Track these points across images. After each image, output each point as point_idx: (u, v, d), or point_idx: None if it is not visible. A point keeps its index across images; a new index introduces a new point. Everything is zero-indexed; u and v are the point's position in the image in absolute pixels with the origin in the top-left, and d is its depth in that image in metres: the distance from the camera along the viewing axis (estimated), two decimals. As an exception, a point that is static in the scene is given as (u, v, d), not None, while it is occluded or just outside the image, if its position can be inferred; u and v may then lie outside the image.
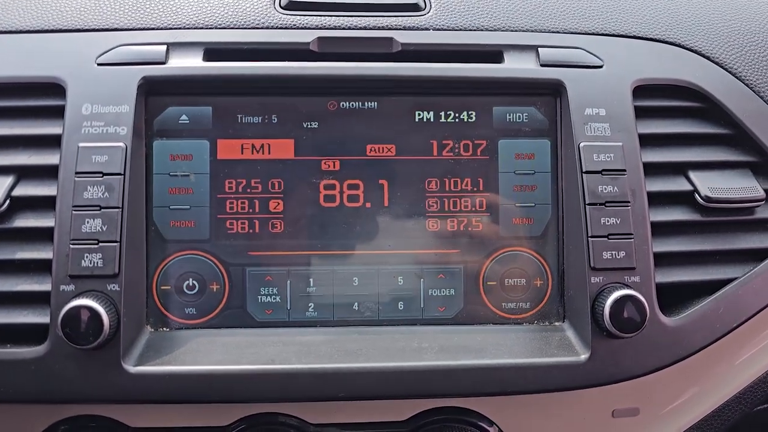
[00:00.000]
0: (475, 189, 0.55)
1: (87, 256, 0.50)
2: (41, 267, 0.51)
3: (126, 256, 0.50)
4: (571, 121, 0.54)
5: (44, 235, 0.51)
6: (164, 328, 0.54)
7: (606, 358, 0.50)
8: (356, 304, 0.55)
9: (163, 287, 0.54)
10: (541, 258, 0.55)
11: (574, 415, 0.54)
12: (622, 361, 0.50)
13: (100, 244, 0.50)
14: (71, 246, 0.50)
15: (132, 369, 0.49)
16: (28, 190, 0.52)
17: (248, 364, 0.49)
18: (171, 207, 0.54)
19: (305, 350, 0.51)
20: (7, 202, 0.51)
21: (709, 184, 0.54)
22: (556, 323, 0.55)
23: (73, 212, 0.50)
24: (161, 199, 0.54)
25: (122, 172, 0.51)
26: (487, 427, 0.53)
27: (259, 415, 0.53)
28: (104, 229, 0.50)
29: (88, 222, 0.50)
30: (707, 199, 0.54)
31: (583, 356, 0.50)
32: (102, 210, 0.50)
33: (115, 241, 0.50)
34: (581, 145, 0.53)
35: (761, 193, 0.54)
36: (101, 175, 0.51)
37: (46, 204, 0.52)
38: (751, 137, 0.55)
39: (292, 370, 0.49)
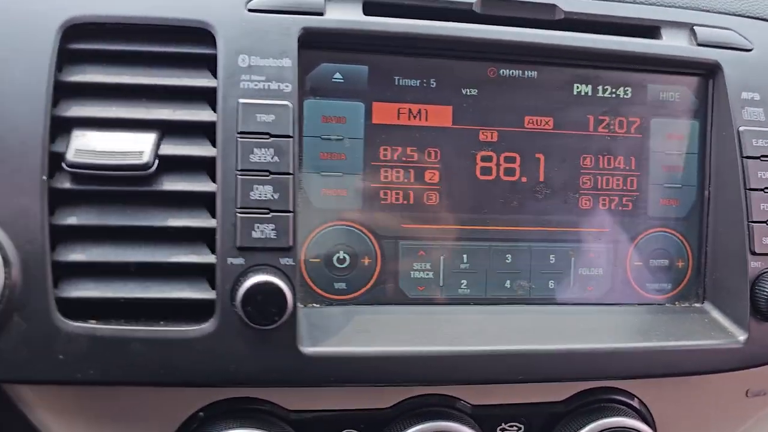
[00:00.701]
0: (627, 168, 0.55)
1: (258, 227, 0.45)
2: (197, 236, 0.46)
3: (286, 226, 0.46)
4: (729, 104, 0.54)
5: (198, 201, 0.46)
6: (314, 304, 0.50)
7: (761, 338, 0.52)
8: (508, 281, 0.53)
9: (311, 260, 0.50)
10: (685, 240, 0.56)
11: (711, 393, 0.56)
12: (776, 343, 0.52)
13: (272, 213, 0.45)
14: (239, 215, 0.45)
15: (307, 350, 0.45)
16: (176, 149, 0.46)
17: (426, 346, 0.47)
18: (322, 173, 0.50)
19: (478, 330, 0.50)
20: (156, 162, 0.45)
21: None
22: (696, 304, 0.56)
23: (239, 177, 0.45)
24: (312, 164, 0.50)
25: (292, 135, 0.46)
26: (637, 406, 0.54)
27: (422, 396, 0.51)
28: (276, 197, 0.45)
29: (257, 189, 0.45)
30: None
31: (741, 338, 0.52)
32: (272, 176, 0.45)
33: (289, 211, 0.45)
34: (741, 129, 0.53)
35: None
36: (268, 136, 0.46)
37: (198, 166, 0.46)
38: None
39: (473, 352, 0.48)
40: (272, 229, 0.45)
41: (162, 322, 0.45)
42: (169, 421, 0.48)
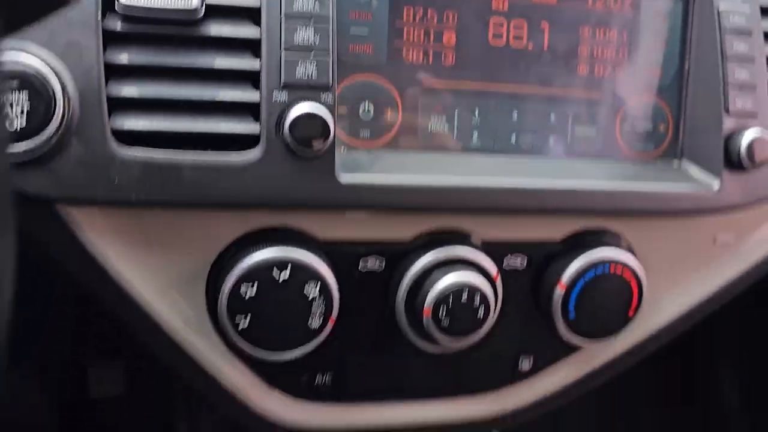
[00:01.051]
0: (619, 40, 0.61)
1: (301, 65, 0.50)
2: (243, 77, 0.51)
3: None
4: (710, -15, 0.60)
5: (244, 46, 0.51)
6: (341, 148, 0.55)
7: (732, 187, 0.59)
8: (514, 136, 0.59)
9: (339, 109, 0.55)
10: (667, 105, 0.63)
11: (685, 239, 0.64)
12: (743, 191, 0.60)
13: (313, 54, 0.50)
14: (284, 54, 0.50)
15: (345, 178, 0.51)
16: (220, -2, 0.50)
17: (445, 179, 0.53)
18: (351, 30, 0.55)
19: (489, 170, 0.56)
20: (204, 8, 0.49)
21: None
22: (676, 161, 0.63)
23: (284, 21, 0.50)
24: (342, 21, 0.54)
25: (330, -14, 0.51)
26: (623, 243, 0.61)
27: (439, 230, 0.57)
28: (317, 40, 0.50)
29: (300, 32, 0.50)
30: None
31: (715, 185, 0.59)
32: (313, 21, 0.50)
33: (329, 52, 0.50)
34: (721, 8, 0.60)
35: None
36: (309, -13, 0.50)
37: (243, 14, 0.51)
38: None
39: (485, 184, 0.54)
40: (314, 68, 0.50)
41: (211, 152, 0.50)
42: (211, 246, 0.53)
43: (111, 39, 0.49)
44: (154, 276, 0.53)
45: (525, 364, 0.63)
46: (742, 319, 1.50)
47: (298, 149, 0.49)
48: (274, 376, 0.59)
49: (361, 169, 0.53)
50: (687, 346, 1.52)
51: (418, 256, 0.56)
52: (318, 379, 0.59)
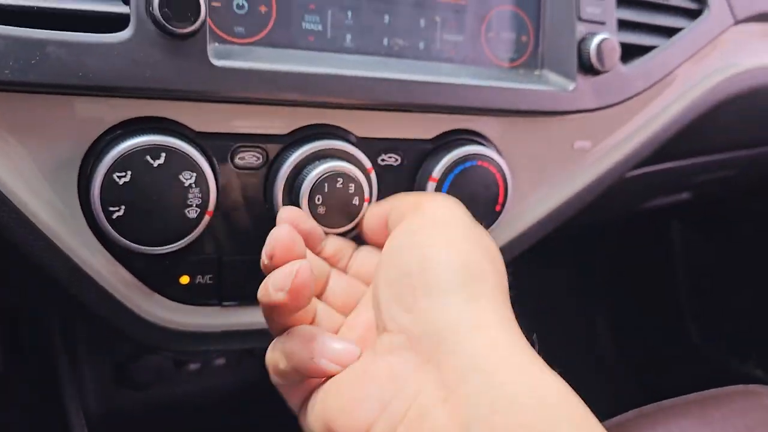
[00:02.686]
0: (483, -49, 0.65)
1: (171, -56, 0.50)
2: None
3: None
4: None
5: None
6: (215, 43, 0.55)
7: (586, 89, 0.65)
8: (386, 38, 0.62)
9: (213, 3, 0.55)
10: (527, 17, 0.67)
11: (546, 141, 0.68)
12: (596, 94, 0.65)
13: (183, -65, 0.50)
14: (152, -67, 0.49)
15: (218, 63, 0.51)
16: None
17: (322, 68, 0.55)
18: (223, -73, 0.55)
19: (362, 65, 0.58)
20: None
21: (646, -27, 0.71)
22: (536, 71, 0.67)
23: None
24: None
25: None
26: (487, 143, 0.65)
27: (315, 125, 0.58)
28: None
29: None
30: (647, -18, 0.70)
31: (570, 87, 0.64)
32: None
33: (199, -64, 0.50)
34: (571, -76, 0.65)
35: (676, -16, 0.72)
36: None
37: None
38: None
39: (359, 75, 0.56)
40: (184, -52, 0.50)
41: (78, 33, 0.49)
42: (82, 135, 0.52)
43: None
44: (24, 166, 0.51)
45: (402, 262, 0.66)
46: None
47: (168, 28, 0.49)
48: (154, 277, 0.58)
49: (235, 57, 0.54)
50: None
51: (295, 149, 0.57)
52: (198, 280, 0.59)
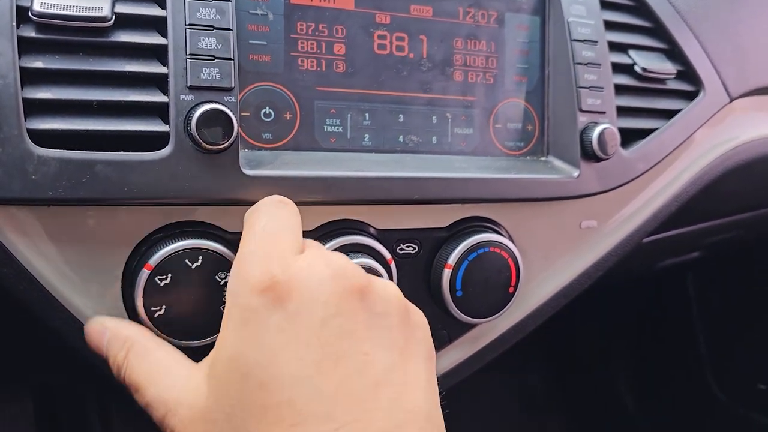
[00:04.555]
0: (488, 50, 0.70)
1: (205, 70, 0.55)
2: (151, 81, 0.55)
3: (225, 78, 0.56)
4: (561, 3, 0.70)
5: (152, 53, 0.55)
6: (245, 149, 0.60)
7: (589, 175, 0.69)
8: (401, 136, 0.67)
9: (243, 114, 0.61)
10: (532, 108, 0.72)
11: (555, 225, 0.72)
12: (599, 178, 0.69)
13: (216, 59, 0.55)
14: (189, 60, 0.55)
15: (249, 172, 0.56)
16: (130, 8, 0.55)
17: (342, 172, 0.60)
18: (250, 41, 0.61)
19: (380, 165, 0.62)
20: (114, 17, 0.54)
21: (642, 61, 0.75)
22: (542, 158, 0.72)
23: (188, 30, 0.55)
24: (242, 33, 0.60)
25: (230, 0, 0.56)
26: (501, 230, 0.69)
27: (338, 221, 0.62)
28: (219, 47, 0.56)
29: (203, 39, 0.55)
30: (643, 70, 0.74)
31: (575, 174, 0.68)
32: (215, 30, 0.56)
33: (230, 58, 0.56)
34: (570, 20, 0.70)
35: (673, 71, 0.77)
36: (211, 0, 0.56)
37: (151, 24, 0.56)
38: (666, 29, 0.77)
39: (378, 176, 0.61)
40: (217, 72, 0.55)
41: (122, 151, 0.54)
42: (125, 242, 0.57)
43: (26, 46, 0.52)
44: (72, 272, 0.56)
45: (422, 344, 0.69)
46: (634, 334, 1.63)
47: (204, 145, 0.54)
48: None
49: (264, 165, 0.59)
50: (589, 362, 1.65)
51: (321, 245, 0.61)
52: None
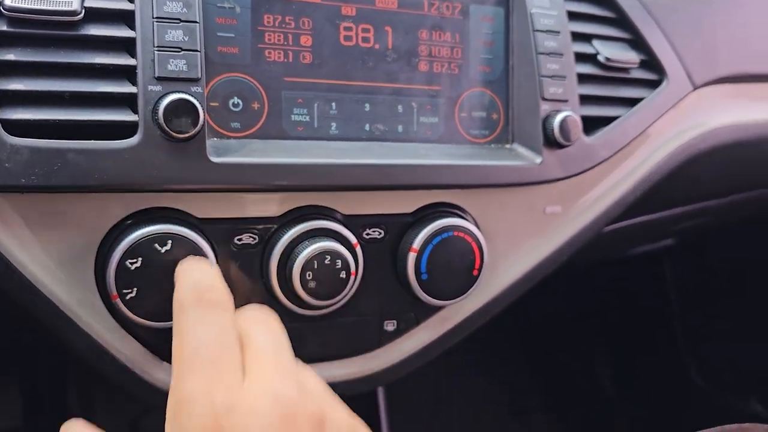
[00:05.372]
0: (453, 41, 0.72)
1: (172, 61, 0.57)
2: (120, 73, 0.57)
3: (192, 69, 0.58)
4: (524, -6, 0.73)
5: (120, 45, 0.57)
6: (214, 138, 0.62)
7: (552, 161, 0.71)
8: (368, 125, 0.69)
9: (211, 104, 0.63)
10: (497, 97, 0.74)
11: (519, 210, 0.75)
12: (562, 165, 0.72)
13: (183, 51, 0.57)
14: (156, 52, 0.57)
15: (215, 159, 0.58)
16: (100, 2, 0.57)
17: (310, 159, 0.62)
18: (218, 33, 0.63)
19: (347, 152, 0.65)
20: (83, 11, 0.56)
21: (605, 51, 0.77)
22: (507, 145, 0.74)
23: (155, 23, 0.57)
24: (210, 26, 0.62)
25: (196, -7, 0.58)
26: (465, 215, 0.71)
27: (304, 207, 0.65)
28: (186, 39, 0.58)
29: (170, 32, 0.57)
30: (606, 59, 0.76)
31: (537, 160, 0.71)
32: (182, 23, 0.58)
33: (197, 50, 0.58)
34: (533, 11, 0.72)
35: (636, 60, 0.79)
36: (177, -7, 0.58)
37: (119, 18, 0.58)
38: (629, 20, 0.79)
39: (344, 164, 0.63)
40: (184, 64, 0.57)
41: (93, 140, 0.56)
42: (97, 228, 0.59)
43: (-1, 39, 0.55)
44: (46, 256, 0.58)
45: (389, 328, 0.72)
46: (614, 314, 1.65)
47: (172, 134, 0.56)
48: (164, 348, 0.64)
49: (232, 153, 0.61)
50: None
51: (287, 230, 0.63)
52: (203, 349, 0.65)
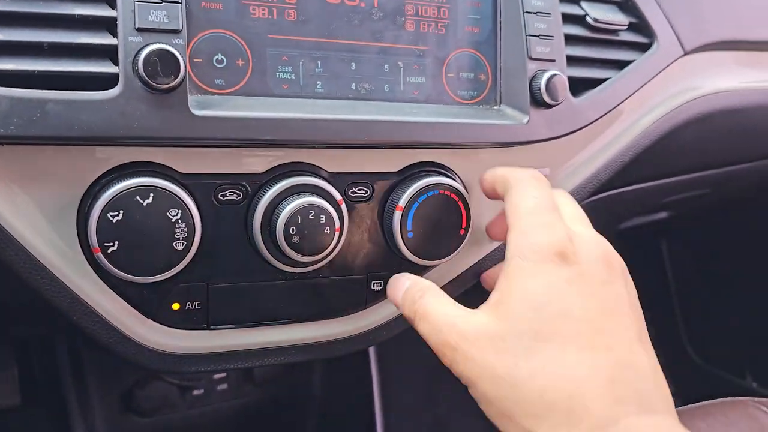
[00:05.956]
0: (441, 0, 0.71)
1: (153, 12, 0.57)
2: (101, 24, 0.57)
3: (174, 22, 0.58)
4: (512, -46, 0.72)
5: (101, -3, 0.57)
6: (198, 94, 0.62)
7: (539, 121, 0.71)
8: (353, 84, 0.68)
9: (195, 60, 0.62)
10: (484, 58, 0.73)
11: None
12: (549, 125, 0.71)
13: (164, 3, 0.57)
14: (137, 3, 0.56)
15: (198, 112, 0.58)
16: (80, -47, 0.57)
17: (294, 113, 0.61)
18: (201, -11, 0.62)
19: (333, 108, 0.64)
20: (63, -38, 0.56)
21: (594, 12, 0.77)
22: (495, 107, 0.74)
23: (136, -25, 0.57)
24: (193, -20, 0.62)
25: (177, -54, 0.58)
26: (451, 174, 0.71)
27: (289, 164, 0.64)
28: (167, -9, 0.57)
29: (151, -16, 0.57)
30: (595, 21, 0.76)
31: (524, 120, 0.70)
32: (163, -25, 0.57)
33: (177, 2, 0.58)
34: (520, -26, 0.72)
35: (625, 22, 0.78)
36: (158, -56, 0.57)
37: (99, -32, 0.57)
38: (619, -18, 0.79)
39: (330, 119, 0.63)
40: (165, 15, 0.57)
41: (75, 91, 0.55)
42: (78, 181, 0.59)
43: (-25, -8, 0.54)
44: (28, 210, 0.58)
45: (376, 287, 0.71)
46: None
47: (152, 84, 0.55)
48: (147, 304, 0.64)
49: (215, 107, 0.60)
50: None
51: (271, 186, 0.63)
52: (187, 306, 0.65)
